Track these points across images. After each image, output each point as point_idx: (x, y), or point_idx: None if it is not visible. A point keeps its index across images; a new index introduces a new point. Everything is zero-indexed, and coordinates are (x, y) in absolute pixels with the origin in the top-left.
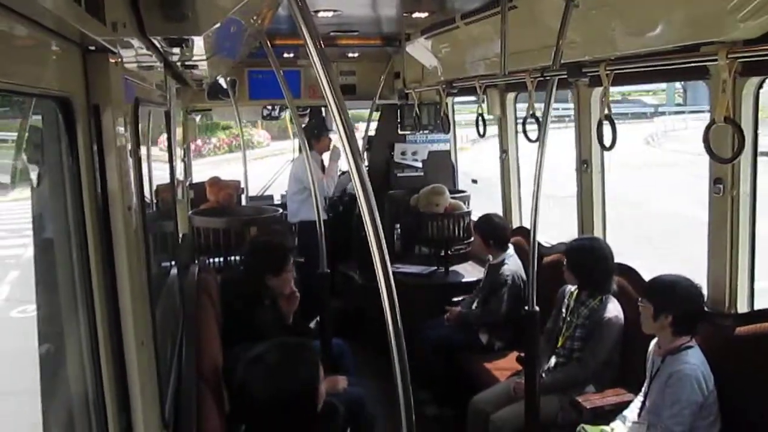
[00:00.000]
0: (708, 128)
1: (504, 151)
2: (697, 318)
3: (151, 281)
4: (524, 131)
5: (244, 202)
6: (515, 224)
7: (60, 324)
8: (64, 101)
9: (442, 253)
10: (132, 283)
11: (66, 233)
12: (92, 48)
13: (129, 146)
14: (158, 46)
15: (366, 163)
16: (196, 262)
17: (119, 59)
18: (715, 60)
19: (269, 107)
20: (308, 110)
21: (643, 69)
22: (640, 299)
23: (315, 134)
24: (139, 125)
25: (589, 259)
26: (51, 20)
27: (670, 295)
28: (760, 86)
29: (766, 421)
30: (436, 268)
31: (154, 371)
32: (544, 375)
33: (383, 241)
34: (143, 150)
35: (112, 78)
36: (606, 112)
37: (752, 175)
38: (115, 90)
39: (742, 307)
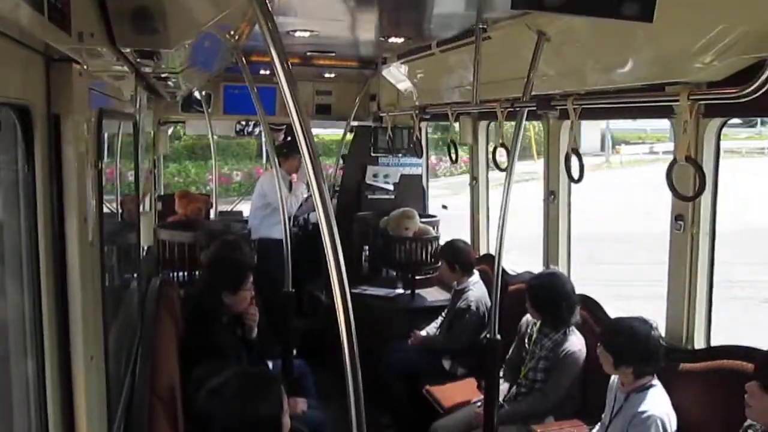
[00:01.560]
0: (670, 166)
1: (474, 178)
2: (659, 360)
3: (105, 294)
4: (494, 160)
5: (213, 217)
6: (482, 251)
7: (5, 334)
8: (22, 110)
9: (409, 277)
10: (84, 295)
11: (17, 242)
12: (56, 57)
13: (90, 156)
14: (129, 57)
15: (338, 183)
16: (160, 275)
17: (84, 69)
18: (678, 101)
19: (243, 122)
20: (284, 127)
21: (610, 105)
22: (598, 345)
23: (284, 153)
24: (104, 135)
25: (550, 295)
26: (13, 29)
27: (629, 346)
28: (722, 127)
29: None
30: (402, 291)
31: (103, 388)
32: (505, 404)
33: (342, 264)
34: (107, 160)
35: (76, 88)
36: (573, 145)
37: (712, 214)
38: (77, 100)
39: (699, 343)
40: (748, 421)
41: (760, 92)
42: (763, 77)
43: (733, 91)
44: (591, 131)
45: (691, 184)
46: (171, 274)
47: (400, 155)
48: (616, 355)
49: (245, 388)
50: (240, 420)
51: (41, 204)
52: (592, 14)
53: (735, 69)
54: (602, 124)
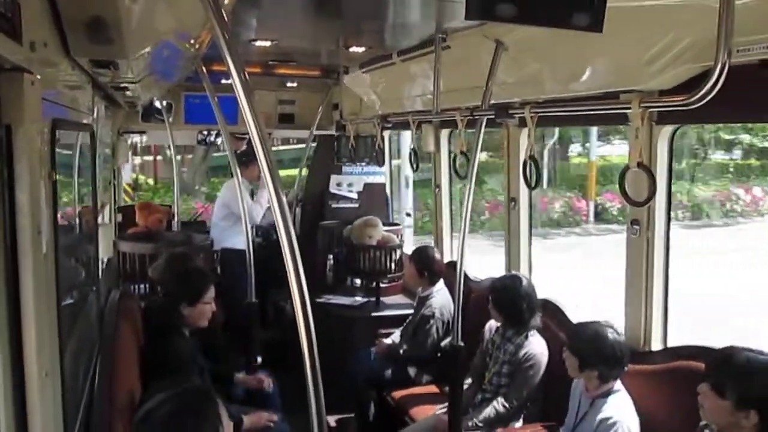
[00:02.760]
0: (623, 172)
1: (437, 185)
2: (624, 365)
3: (60, 307)
4: (454, 168)
5: (175, 228)
6: (446, 258)
7: None
8: None
9: (374, 285)
10: (38, 309)
11: None
12: (7, 67)
13: (43, 167)
14: (84, 66)
15: (301, 193)
16: (120, 287)
17: (36, 78)
18: (630, 108)
19: (204, 132)
20: (247, 137)
21: (566, 113)
22: (564, 349)
23: (243, 161)
24: (58, 147)
25: (512, 297)
26: None
27: (595, 350)
28: (674, 134)
29: None
30: (367, 299)
31: (59, 404)
32: (470, 410)
33: (302, 274)
34: (63, 172)
35: (27, 98)
36: (530, 152)
37: (666, 218)
38: (29, 110)
39: (656, 345)
40: (704, 422)
41: (707, 99)
42: (709, 85)
43: (681, 98)
44: None
45: (645, 189)
46: (132, 286)
47: (363, 164)
48: (582, 358)
49: (177, 410)
50: None
51: None
52: (543, 24)
53: (685, 77)
54: None
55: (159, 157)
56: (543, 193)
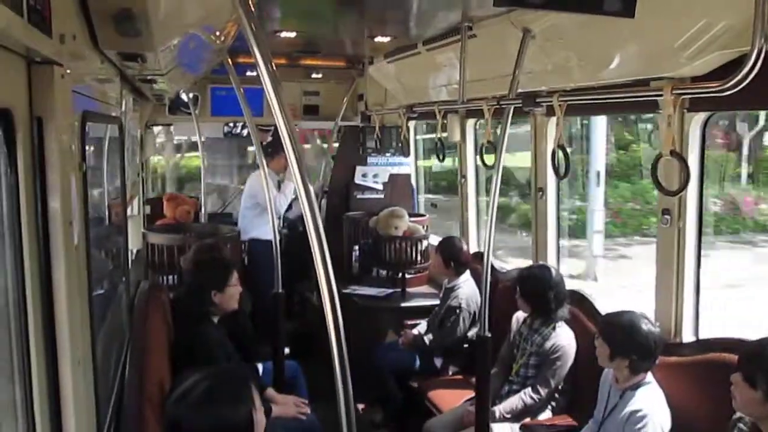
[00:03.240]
0: (655, 161)
1: (463, 176)
2: (656, 356)
3: (92, 298)
4: (481, 157)
5: (202, 219)
6: (472, 249)
7: None
8: (4, 113)
9: (399, 276)
10: (70, 299)
11: (0, 247)
12: (38, 60)
13: (74, 159)
14: (113, 59)
15: (327, 184)
16: (149, 278)
17: (66, 71)
18: (662, 95)
19: (231, 124)
20: (272, 128)
21: (595, 101)
22: (596, 337)
23: (269, 153)
24: (88, 139)
25: (540, 287)
26: None
27: (628, 338)
28: (707, 121)
29: None
30: (393, 290)
31: (91, 392)
32: (497, 402)
33: (329, 265)
34: (92, 163)
35: (58, 91)
36: (559, 141)
37: (698, 207)
38: (60, 103)
39: (688, 337)
40: (738, 414)
41: (741, 86)
42: (744, 71)
43: (715, 85)
44: None
45: (676, 179)
46: (160, 277)
47: (388, 155)
48: (615, 346)
49: (212, 391)
50: (210, 423)
51: (25, 207)
52: (574, 10)
53: (718, 64)
54: None
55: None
56: (744, 192)
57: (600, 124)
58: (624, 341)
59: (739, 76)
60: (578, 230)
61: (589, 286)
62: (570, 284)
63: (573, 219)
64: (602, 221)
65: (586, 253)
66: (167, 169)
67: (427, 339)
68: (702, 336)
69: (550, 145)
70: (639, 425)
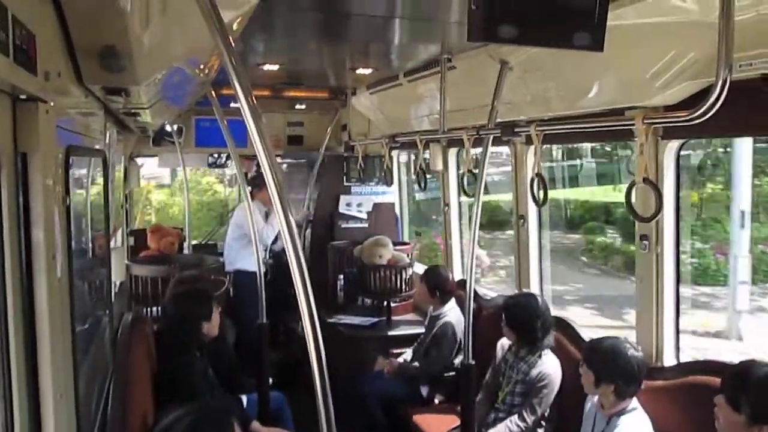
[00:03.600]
0: (629, 188)
1: (446, 204)
2: (640, 382)
3: (75, 330)
4: (462, 187)
5: (186, 251)
6: (456, 277)
7: None
8: None
9: (384, 304)
10: (53, 332)
11: None
12: (23, 97)
13: (57, 193)
14: (97, 94)
15: (312, 213)
16: (132, 311)
17: (51, 106)
18: (634, 124)
19: (215, 155)
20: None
21: (572, 130)
22: (581, 364)
23: (257, 184)
24: (71, 173)
25: (527, 315)
26: None
27: (612, 364)
28: (680, 149)
29: None
30: (378, 319)
31: (73, 425)
32: (483, 430)
33: (311, 294)
34: (76, 197)
35: (42, 126)
36: (537, 170)
37: (675, 233)
38: (44, 138)
39: (669, 360)
40: None
41: (709, 114)
42: (711, 100)
43: (684, 114)
44: None
45: (652, 205)
46: (144, 309)
47: (372, 184)
48: (599, 372)
49: (195, 426)
50: None
51: (7, 241)
52: (545, 45)
53: (688, 93)
54: None
55: None
56: None
57: (745, 149)
58: (608, 367)
59: (706, 105)
60: (703, 277)
61: (733, 346)
62: (705, 344)
63: (694, 263)
64: (748, 270)
65: (717, 305)
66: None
67: (412, 368)
68: (683, 360)
69: (529, 174)
70: None
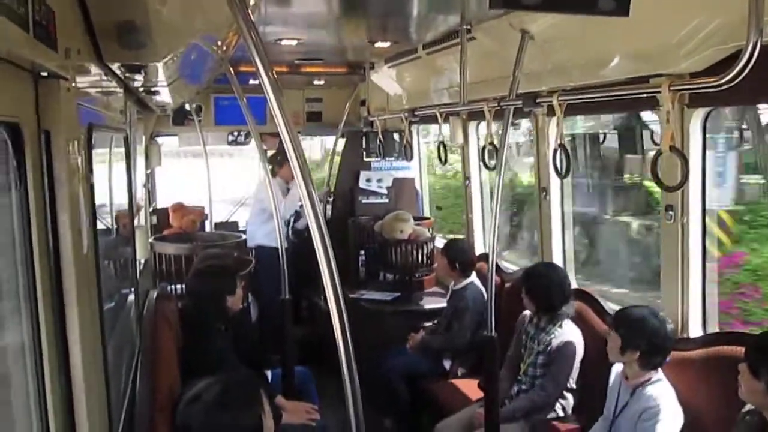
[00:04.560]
0: (655, 157)
1: (467, 178)
2: (666, 353)
3: (102, 306)
4: (482, 159)
5: (208, 228)
6: (478, 251)
7: (3, 351)
8: (13, 127)
9: (406, 279)
10: (81, 307)
11: (12, 257)
12: (44, 74)
13: (81, 171)
14: (117, 72)
15: (332, 190)
16: (157, 288)
17: (72, 85)
18: (660, 91)
19: (235, 133)
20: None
21: (595, 99)
22: (608, 331)
23: (278, 161)
24: (94, 151)
25: (545, 284)
26: (0, 48)
27: (640, 330)
28: (707, 117)
29: None
30: (399, 294)
31: (104, 400)
32: (507, 402)
33: (335, 270)
34: (100, 175)
35: (64, 104)
36: (560, 141)
37: (702, 203)
38: (66, 116)
39: (696, 332)
40: (747, 407)
41: (738, 80)
42: (740, 66)
43: (712, 80)
44: None
45: (678, 175)
46: (168, 287)
47: (392, 159)
48: (626, 338)
49: (223, 395)
50: (219, 426)
51: (34, 218)
52: (568, 11)
53: (716, 59)
54: None
55: None
56: None
57: None
58: (635, 333)
59: (735, 71)
60: None
61: None
62: None
63: None
64: None
65: None
66: None
67: (435, 341)
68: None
69: (552, 145)
70: (652, 421)
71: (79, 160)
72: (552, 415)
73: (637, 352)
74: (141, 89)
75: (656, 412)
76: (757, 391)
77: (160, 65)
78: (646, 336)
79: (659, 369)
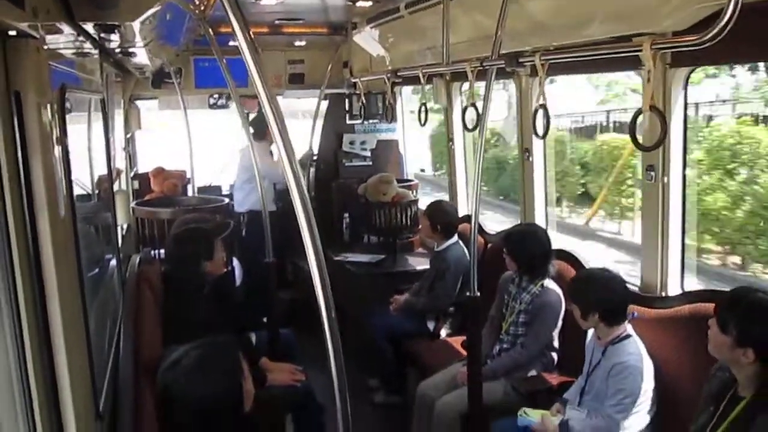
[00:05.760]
0: (635, 116)
1: (450, 140)
2: (624, 307)
3: (83, 272)
4: (463, 120)
5: (190, 193)
6: (461, 213)
7: None
8: None
9: (390, 241)
10: (59, 271)
11: None
12: (13, 34)
13: (55, 133)
14: (91, 32)
15: (315, 152)
16: (140, 253)
17: (42, 45)
18: (642, 50)
19: (216, 96)
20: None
21: (578, 59)
22: (569, 302)
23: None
24: (69, 114)
25: (527, 244)
26: None
27: (589, 293)
28: (689, 77)
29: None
30: (384, 256)
31: (86, 363)
32: (489, 361)
33: (316, 232)
34: (74, 138)
35: (34, 64)
36: (541, 101)
37: (682, 163)
38: (36, 76)
39: (675, 290)
40: (718, 363)
41: (719, 38)
42: (722, 24)
43: (694, 38)
44: None
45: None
46: (151, 252)
47: (375, 121)
48: (581, 304)
49: (201, 361)
50: (199, 391)
51: (7, 183)
52: None
53: (698, 18)
54: None
55: None
56: None
57: None
58: (586, 296)
59: (717, 29)
60: None
61: None
62: None
63: None
64: None
65: None
66: None
67: (419, 302)
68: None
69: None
70: (620, 376)
71: (52, 121)
72: (533, 372)
73: (596, 314)
74: (117, 51)
75: (624, 367)
76: (725, 344)
77: (135, 25)
78: (597, 297)
79: (628, 324)
